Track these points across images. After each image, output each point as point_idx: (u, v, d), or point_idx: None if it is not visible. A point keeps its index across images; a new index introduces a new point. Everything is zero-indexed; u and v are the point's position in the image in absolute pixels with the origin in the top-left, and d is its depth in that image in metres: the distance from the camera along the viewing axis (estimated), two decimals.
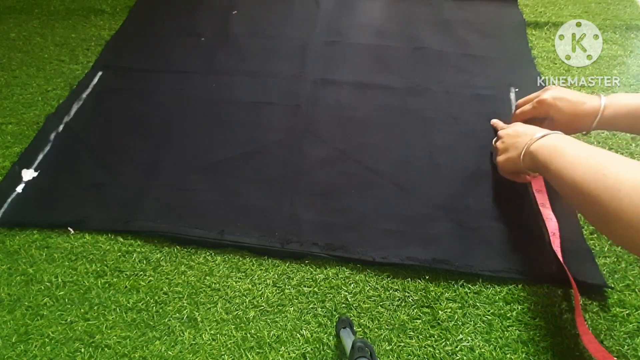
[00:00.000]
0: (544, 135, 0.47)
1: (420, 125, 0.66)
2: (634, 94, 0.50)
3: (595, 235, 0.54)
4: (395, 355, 0.45)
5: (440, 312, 0.48)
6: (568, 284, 0.47)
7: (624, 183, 0.33)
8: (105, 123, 0.70)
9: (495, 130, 0.61)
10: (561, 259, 0.48)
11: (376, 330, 0.47)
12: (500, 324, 0.47)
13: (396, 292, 0.50)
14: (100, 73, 0.77)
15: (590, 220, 0.41)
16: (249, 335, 0.47)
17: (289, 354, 0.46)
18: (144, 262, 0.54)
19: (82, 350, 0.47)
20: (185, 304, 0.50)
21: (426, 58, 0.77)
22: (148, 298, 0.50)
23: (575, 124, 0.53)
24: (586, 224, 0.54)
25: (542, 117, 0.56)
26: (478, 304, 0.49)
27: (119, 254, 0.54)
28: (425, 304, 0.49)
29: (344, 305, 0.49)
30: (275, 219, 0.56)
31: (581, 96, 0.53)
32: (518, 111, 0.59)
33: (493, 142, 0.59)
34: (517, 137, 0.52)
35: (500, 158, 0.55)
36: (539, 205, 0.53)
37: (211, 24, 0.86)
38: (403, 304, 0.49)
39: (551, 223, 0.51)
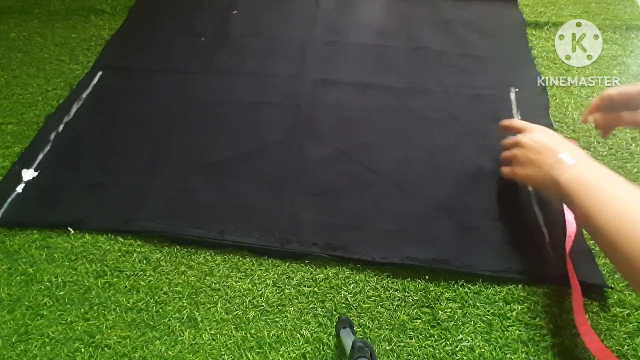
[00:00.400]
0: (571, 164, 0.44)
1: (420, 125, 0.66)
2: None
3: None
4: (395, 355, 0.45)
5: (440, 312, 0.48)
6: (567, 283, 0.47)
7: None
8: (105, 123, 0.70)
9: (501, 131, 0.57)
10: (569, 263, 0.48)
11: (376, 330, 0.47)
12: (500, 324, 0.47)
13: (396, 292, 0.50)
14: (100, 73, 0.77)
15: (609, 258, 0.40)
16: (249, 335, 0.47)
17: (289, 354, 0.46)
18: (144, 262, 0.54)
19: (82, 350, 0.47)
20: (185, 304, 0.50)
21: (426, 58, 0.77)
22: (148, 298, 0.50)
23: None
24: None
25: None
26: (478, 304, 0.49)
27: (119, 254, 0.54)
28: (425, 304, 0.49)
29: (344, 305, 0.49)
30: (275, 219, 0.56)
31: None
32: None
33: (503, 144, 0.55)
34: (539, 153, 0.48)
35: (519, 171, 0.50)
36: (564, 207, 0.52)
37: (211, 24, 0.86)
38: (403, 304, 0.49)
39: (571, 227, 0.51)
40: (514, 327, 0.47)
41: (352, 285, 0.51)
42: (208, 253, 0.54)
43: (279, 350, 0.46)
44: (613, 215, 0.37)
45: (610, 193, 0.39)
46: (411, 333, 0.47)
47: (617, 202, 0.38)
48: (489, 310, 0.48)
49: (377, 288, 0.50)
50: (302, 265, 0.53)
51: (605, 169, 0.43)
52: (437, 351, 0.45)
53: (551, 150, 0.47)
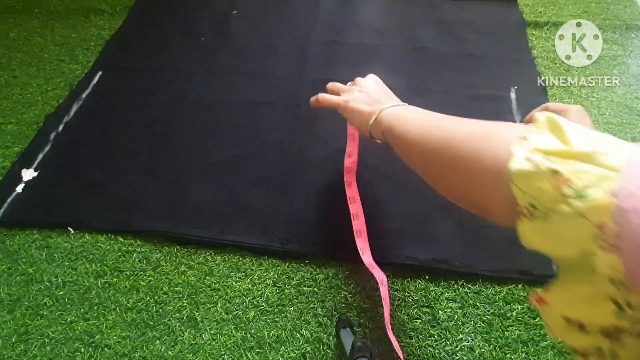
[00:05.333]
0: (393, 106, 0.44)
1: None
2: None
3: None
4: (396, 355, 0.45)
5: (440, 312, 0.48)
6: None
7: (455, 135, 0.32)
8: (105, 123, 0.70)
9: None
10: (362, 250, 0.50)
11: (376, 330, 0.47)
12: (500, 324, 0.47)
13: (396, 292, 0.50)
14: (100, 73, 0.77)
15: (426, 177, 0.39)
16: (249, 335, 0.47)
17: (289, 353, 0.46)
18: (144, 262, 0.54)
19: (82, 350, 0.47)
20: (185, 304, 0.50)
21: (426, 58, 0.77)
22: (148, 298, 0.50)
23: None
24: None
25: None
26: (478, 304, 0.49)
27: (119, 254, 0.54)
28: (425, 304, 0.49)
29: (344, 305, 0.49)
30: (275, 219, 0.56)
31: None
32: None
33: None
34: (373, 95, 0.47)
35: (351, 103, 0.48)
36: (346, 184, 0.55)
37: (211, 24, 0.86)
38: (403, 304, 0.49)
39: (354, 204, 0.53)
40: (514, 327, 0.47)
41: (352, 285, 0.51)
42: (208, 253, 0.54)
43: (279, 350, 0.46)
44: (421, 130, 0.38)
45: (423, 117, 0.41)
46: (411, 333, 0.47)
47: (427, 120, 0.39)
48: (489, 310, 0.48)
49: (377, 288, 0.50)
50: (302, 265, 0.53)
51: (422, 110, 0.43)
52: (437, 351, 0.45)
53: (379, 101, 0.47)
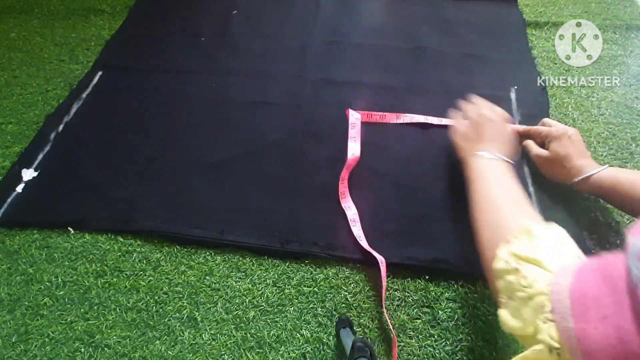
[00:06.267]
0: (480, 154, 0.51)
1: (420, 125, 0.66)
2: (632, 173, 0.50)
3: None
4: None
5: (440, 312, 0.48)
6: None
7: (489, 217, 0.43)
8: (105, 123, 0.70)
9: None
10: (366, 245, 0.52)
11: (376, 330, 0.47)
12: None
13: (396, 292, 0.50)
14: (100, 73, 0.77)
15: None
16: (249, 335, 0.47)
17: (289, 353, 0.46)
18: (144, 262, 0.54)
19: (82, 350, 0.47)
20: (185, 304, 0.50)
21: (426, 58, 0.77)
22: (148, 298, 0.50)
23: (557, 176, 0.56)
24: None
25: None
26: (478, 304, 0.49)
27: (119, 253, 0.54)
28: (425, 304, 0.49)
29: (344, 305, 0.49)
30: (275, 219, 0.56)
31: (581, 161, 0.53)
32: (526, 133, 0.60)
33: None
34: (470, 140, 0.55)
35: (459, 138, 0.56)
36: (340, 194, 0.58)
37: (211, 24, 0.86)
38: (403, 304, 0.49)
39: (349, 212, 0.56)
40: None
41: (352, 285, 0.51)
42: (208, 253, 0.54)
43: (279, 350, 0.46)
44: (476, 200, 0.46)
45: (482, 184, 0.48)
46: (411, 333, 0.47)
47: (483, 190, 0.47)
48: (489, 310, 0.48)
49: (377, 288, 0.50)
50: (302, 265, 0.53)
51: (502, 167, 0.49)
52: (437, 351, 0.45)
53: (474, 141, 0.54)
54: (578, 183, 0.52)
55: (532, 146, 0.58)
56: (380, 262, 0.50)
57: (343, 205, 0.56)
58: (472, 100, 0.60)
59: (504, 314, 0.33)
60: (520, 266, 0.32)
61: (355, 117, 0.63)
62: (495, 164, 0.50)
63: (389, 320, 0.47)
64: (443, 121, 0.66)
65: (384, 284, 0.49)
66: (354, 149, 0.60)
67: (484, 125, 0.55)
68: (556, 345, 0.26)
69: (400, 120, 0.66)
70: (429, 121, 0.66)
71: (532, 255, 0.32)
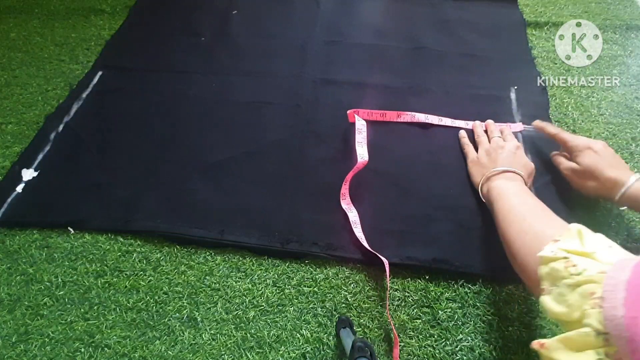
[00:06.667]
0: (499, 173, 0.53)
1: (420, 125, 0.66)
2: None
3: None
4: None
5: (440, 312, 0.48)
6: None
7: (522, 229, 0.42)
8: (105, 123, 0.70)
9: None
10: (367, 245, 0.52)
11: (376, 330, 0.47)
12: (500, 324, 0.47)
13: (396, 292, 0.50)
14: (100, 73, 0.77)
15: (503, 242, 0.46)
16: (249, 335, 0.47)
17: (289, 353, 0.46)
18: (144, 262, 0.54)
19: (82, 350, 0.47)
20: (185, 304, 0.50)
21: (426, 58, 0.77)
22: (148, 298, 0.50)
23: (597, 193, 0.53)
24: None
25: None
26: (478, 304, 0.49)
27: (119, 253, 0.54)
28: (425, 304, 0.49)
29: (344, 305, 0.49)
30: (275, 219, 0.56)
31: (613, 172, 0.50)
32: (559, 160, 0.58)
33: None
34: (483, 165, 0.57)
35: (470, 164, 0.59)
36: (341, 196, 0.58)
37: (211, 24, 0.86)
38: (403, 304, 0.49)
39: (351, 214, 0.56)
40: (514, 328, 0.47)
41: (352, 285, 0.51)
42: (208, 253, 0.54)
43: (279, 350, 0.46)
44: (504, 219, 0.46)
45: (505, 204, 0.48)
46: (411, 333, 0.47)
47: (510, 208, 0.47)
48: (489, 310, 0.48)
49: (377, 288, 0.50)
50: (302, 265, 0.53)
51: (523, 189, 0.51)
52: (437, 351, 0.45)
53: (494, 162, 0.57)
54: (620, 200, 0.49)
55: (562, 160, 0.57)
56: (386, 263, 0.50)
57: (344, 207, 0.56)
58: (485, 125, 0.63)
59: (547, 300, 0.33)
60: (570, 256, 0.33)
61: (361, 124, 0.63)
62: (513, 183, 0.51)
63: (391, 321, 0.47)
64: (444, 121, 0.66)
65: (388, 285, 0.49)
66: (362, 153, 0.60)
67: (497, 151, 0.57)
68: (604, 329, 0.27)
69: (401, 119, 0.66)
70: (429, 121, 0.66)
71: (582, 250, 0.33)
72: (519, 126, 0.64)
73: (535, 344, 0.31)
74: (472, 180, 0.58)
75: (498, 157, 0.56)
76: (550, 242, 0.36)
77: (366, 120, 0.66)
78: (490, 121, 0.64)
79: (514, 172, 0.52)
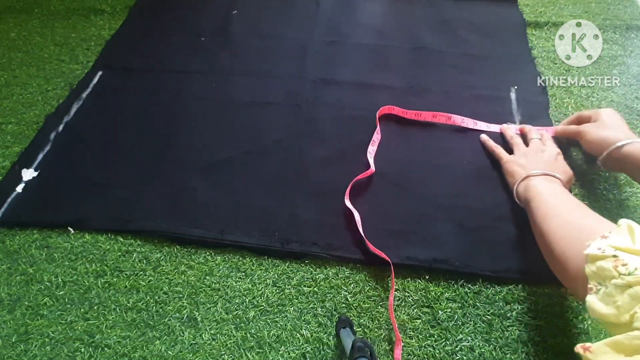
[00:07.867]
0: (539, 175, 0.52)
1: (420, 125, 0.66)
2: None
3: None
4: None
5: (440, 312, 0.48)
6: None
7: (564, 226, 0.42)
8: (105, 123, 0.70)
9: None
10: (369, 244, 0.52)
11: (376, 330, 0.47)
12: (500, 324, 0.47)
13: (396, 292, 0.50)
14: (100, 73, 0.77)
15: (539, 243, 0.46)
16: (249, 335, 0.47)
17: (289, 353, 0.46)
18: (144, 262, 0.54)
19: (82, 350, 0.47)
20: (185, 304, 0.50)
21: (426, 58, 0.77)
22: (148, 298, 0.50)
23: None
24: None
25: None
26: (478, 304, 0.49)
27: (119, 253, 0.54)
28: (425, 304, 0.49)
29: (344, 305, 0.49)
30: (275, 219, 0.56)
31: (615, 135, 0.52)
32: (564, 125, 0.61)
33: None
34: (522, 165, 0.55)
35: (508, 164, 0.57)
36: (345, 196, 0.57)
37: (211, 24, 0.86)
38: (403, 304, 0.49)
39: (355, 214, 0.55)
40: (514, 327, 0.47)
41: (352, 285, 0.51)
42: (208, 253, 0.54)
43: (279, 350, 0.46)
44: (544, 218, 0.45)
45: (542, 204, 0.47)
46: (411, 333, 0.47)
47: (549, 208, 0.46)
48: (489, 310, 0.48)
49: (377, 288, 0.50)
50: (302, 265, 0.53)
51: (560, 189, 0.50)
52: (437, 351, 0.45)
53: (529, 164, 0.56)
54: (610, 154, 0.51)
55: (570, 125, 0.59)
56: (391, 265, 0.50)
57: (349, 206, 0.56)
58: (520, 130, 0.63)
59: (593, 301, 0.31)
60: (619, 254, 0.31)
61: (377, 137, 0.63)
62: (553, 184, 0.50)
63: (394, 322, 0.47)
64: (479, 125, 0.65)
65: (393, 286, 0.49)
66: (372, 163, 0.60)
67: (538, 154, 0.56)
68: None
69: (437, 120, 0.66)
70: (465, 124, 0.65)
71: (634, 247, 0.31)
72: (551, 131, 0.63)
73: (579, 347, 0.29)
74: (508, 179, 0.56)
75: (539, 159, 0.55)
76: (597, 238, 0.34)
77: (392, 117, 0.66)
78: (527, 125, 0.63)
79: (553, 175, 0.52)
